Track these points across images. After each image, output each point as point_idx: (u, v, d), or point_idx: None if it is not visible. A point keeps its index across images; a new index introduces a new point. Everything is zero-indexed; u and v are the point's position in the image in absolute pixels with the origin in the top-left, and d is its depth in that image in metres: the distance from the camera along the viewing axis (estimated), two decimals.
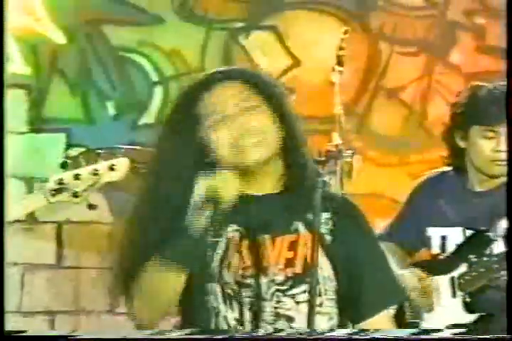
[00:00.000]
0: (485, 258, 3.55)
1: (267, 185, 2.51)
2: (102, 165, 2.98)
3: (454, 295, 3.59)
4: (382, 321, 2.54)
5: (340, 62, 4.51)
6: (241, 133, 2.44)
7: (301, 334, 2.37)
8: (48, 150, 5.37)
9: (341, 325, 2.52)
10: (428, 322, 3.64)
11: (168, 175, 2.49)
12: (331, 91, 4.50)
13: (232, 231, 2.48)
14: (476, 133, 3.60)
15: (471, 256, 3.57)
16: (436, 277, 3.71)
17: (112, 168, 2.98)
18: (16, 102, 5.35)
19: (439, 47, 5.43)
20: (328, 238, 2.49)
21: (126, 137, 5.09)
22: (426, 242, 3.79)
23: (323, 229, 2.49)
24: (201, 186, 2.40)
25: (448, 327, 3.45)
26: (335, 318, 2.51)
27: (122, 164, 2.98)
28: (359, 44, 5.27)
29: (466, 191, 3.70)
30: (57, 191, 3.02)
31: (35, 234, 5.30)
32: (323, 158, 2.54)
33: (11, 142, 5.25)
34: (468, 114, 3.65)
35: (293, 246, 2.48)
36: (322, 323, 2.46)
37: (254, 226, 2.47)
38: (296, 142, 2.52)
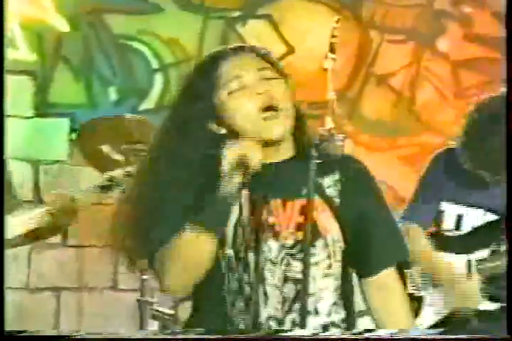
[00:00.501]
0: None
1: (280, 152, 2.47)
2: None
3: (470, 277, 3.51)
4: (388, 278, 2.52)
5: (332, 50, 4.49)
6: (263, 106, 2.39)
7: None
8: (52, 134, 5.38)
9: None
10: (433, 295, 3.57)
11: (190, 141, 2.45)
12: (323, 78, 4.48)
13: (245, 195, 2.43)
14: None
15: (493, 243, 3.49)
16: (449, 254, 3.64)
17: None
18: (22, 88, 5.35)
19: (427, 35, 5.46)
20: (336, 200, 2.46)
21: None
22: (439, 218, 3.71)
23: (332, 191, 2.47)
24: (229, 155, 2.35)
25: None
26: (339, 279, 2.49)
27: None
28: (351, 32, 5.30)
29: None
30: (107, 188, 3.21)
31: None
32: (316, 142, 2.45)
33: (17, 126, 5.29)
34: None
35: (303, 210, 2.42)
36: (329, 284, 2.45)
37: (267, 191, 2.42)
38: (304, 124, 2.53)
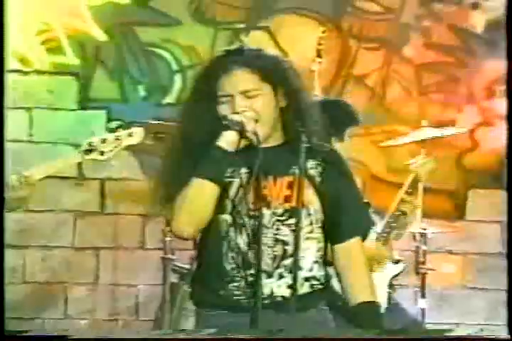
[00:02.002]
0: None
1: (272, 139, 2.47)
2: (122, 133, 3.06)
3: None
4: (353, 247, 2.50)
5: (319, 55, 4.51)
6: (241, 118, 2.40)
7: None
8: (92, 123, 5.34)
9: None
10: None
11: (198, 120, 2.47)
12: (311, 78, 4.49)
13: (243, 173, 2.43)
14: None
15: None
16: None
17: (130, 135, 3.05)
18: (68, 86, 5.35)
19: (395, 43, 5.40)
20: (317, 179, 2.45)
21: (152, 113, 5.06)
22: None
23: (314, 172, 2.46)
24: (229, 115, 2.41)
25: None
26: (322, 242, 2.47)
27: (138, 132, 3.05)
28: (333, 41, 5.24)
29: None
30: (89, 151, 3.08)
31: (84, 188, 5.27)
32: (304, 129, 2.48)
33: (64, 117, 5.29)
34: None
35: (290, 185, 2.42)
36: (312, 245, 2.42)
37: (261, 170, 2.41)
38: (299, 109, 2.47)
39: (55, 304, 5.31)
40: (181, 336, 2.24)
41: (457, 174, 5.30)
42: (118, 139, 3.04)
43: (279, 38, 5.32)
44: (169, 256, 4.30)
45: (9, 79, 5.15)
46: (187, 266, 4.24)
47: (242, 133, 2.39)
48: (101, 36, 5.32)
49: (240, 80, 2.43)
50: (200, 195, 2.39)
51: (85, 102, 5.36)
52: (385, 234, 3.58)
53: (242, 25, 5.39)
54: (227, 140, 2.38)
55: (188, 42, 5.30)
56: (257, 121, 2.41)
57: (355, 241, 2.50)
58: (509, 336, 2.29)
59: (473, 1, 5.34)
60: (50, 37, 5.28)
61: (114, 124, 5.30)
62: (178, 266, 4.26)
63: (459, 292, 5.19)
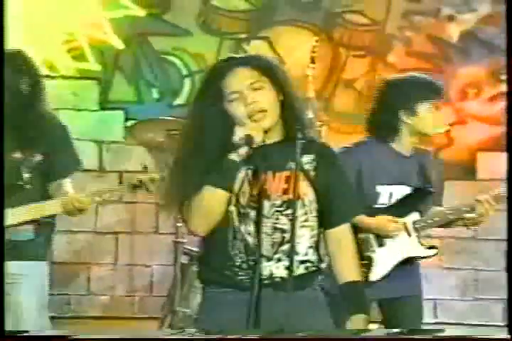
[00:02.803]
0: (430, 208, 3.33)
1: (273, 135, 2.43)
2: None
3: (409, 235, 3.31)
4: (343, 232, 2.47)
5: (313, 61, 4.52)
6: (253, 109, 2.36)
7: None
8: (111, 122, 5.37)
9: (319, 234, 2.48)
10: (379, 254, 3.32)
11: (207, 127, 2.42)
12: (306, 82, 4.51)
13: (246, 169, 2.40)
14: (424, 109, 3.25)
15: (419, 206, 3.31)
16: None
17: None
18: (90, 89, 5.37)
19: (381, 51, 5.39)
20: (312, 173, 2.42)
21: (165, 113, 5.04)
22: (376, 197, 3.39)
23: (309, 166, 2.44)
24: (239, 132, 2.34)
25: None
26: (315, 230, 2.45)
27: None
28: (325, 49, 5.24)
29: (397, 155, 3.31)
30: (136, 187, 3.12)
31: (105, 179, 5.28)
32: (300, 127, 2.43)
33: (86, 117, 5.31)
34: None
35: (288, 179, 2.40)
36: (306, 233, 2.41)
37: (262, 165, 2.39)
38: (293, 107, 2.44)
39: (79, 282, 5.34)
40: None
41: None
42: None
43: (277, 47, 5.32)
44: (180, 239, 4.30)
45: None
46: (196, 249, 4.23)
47: (251, 145, 2.35)
48: (119, 45, 5.32)
49: (244, 75, 2.39)
50: (212, 202, 2.36)
51: (105, 104, 5.38)
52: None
53: (244, 35, 5.39)
54: (239, 154, 2.34)
55: (197, 50, 5.31)
56: (262, 111, 2.37)
57: (344, 227, 2.48)
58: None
59: (449, 14, 5.33)
60: (74, 46, 5.30)
61: (130, 123, 5.36)
62: (188, 249, 4.26)
63: (436, 271, 5.21)
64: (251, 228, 2.38)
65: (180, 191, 2.38)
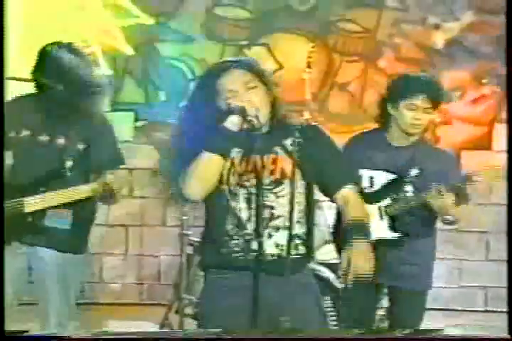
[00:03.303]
0: (403, 195, 3.26)
1: (263, 128, 2.45)
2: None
3: (381, 218, 3.29)
4: (348, 194, 2.46)
5: (309, 66, 4.53)
6: (248, 106, 2.39)
7: None
8: (122, 123, 5.33)
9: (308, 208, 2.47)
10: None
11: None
12: (303, 85, 4.52)
13: (236, 152, 2.43)
14: (403, 106, 3.19)
15: (392, 193, 3.26)
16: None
17: None
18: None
19: (372, 57, 5.40)
20: (297, 154, 2.39)
21: (172, 114, 5.04)
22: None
23: (293, 148, 2.41)
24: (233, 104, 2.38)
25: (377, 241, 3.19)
26: (302, 205, 2.44)
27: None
28: (321, 55, 5.24)
29: (388, 145, 3.28)
30: None
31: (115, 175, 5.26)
32: (299, 127, 2.46)
33: None
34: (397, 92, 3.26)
35: (274, 161, 2.43)
36: (294, 208, 2.37)
37: (250, 150, 2.42)
38: (280, 108, 2.47)
39: (92, 271, 5.32)
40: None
41: None
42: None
43: (276, 52, 5.33)
44: (185, 231, 4.28)
45: None
46: (199, 240, 4.26)
47: (244, 116, 2.37)
48: (129, 51, 5.35)
49: (239, 75, 2.42)
50: (208, 165, 2.38)
51: (116, 105, 5.35)
52: None
53: (245, 42, 5.39)
54: (232, 122, 2.35)
55: (201, 56, 5.31)
56: (258, 109, 2.40)
57: (346, 190, 2.47)
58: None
59: (435, 22, 5.34)
60: (88, 52, 5.27)
61: (140, 123, 5.37)
62: (193, 240, 4.26)
63: None
64: (242, 205, 2.39)
65: (181, 160, 2.41)
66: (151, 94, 5.42)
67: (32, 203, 2.86)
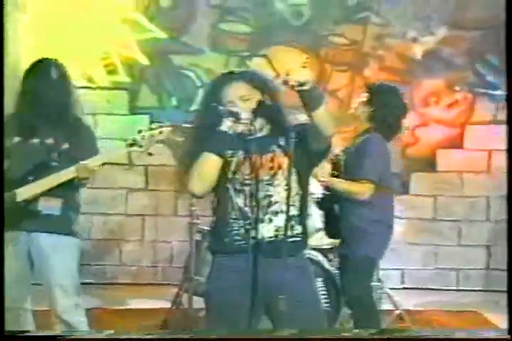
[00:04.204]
0: None
1: (263, 131, 2.47)
2: (155, 131, 3.01)
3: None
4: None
5: None
6: (242, 111, 2.40)
7: None
8: (139, 124, 5.20)
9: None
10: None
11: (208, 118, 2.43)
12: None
13: (239, 153, 2.43)
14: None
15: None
16: None
17: (160, 132, 3.00)
18: (120, 98, 5.34)
19: (358, 67, 5.37)
20: (291, 151, 2.38)
21: (182, 117, 5.01)
22: None
23: (288, 146, 2.41)
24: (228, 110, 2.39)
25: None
26: (294, 192, 2.42)
27: (165, 131, 2.99)
28: (314, 65, 5.22)
29: None
30: (131, 145, 3.04)
31: (133, 171, 5.24)
32: (298, 129, 2.46)
33: (117, 120, 5.31)
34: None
35: (272, 159, 2.43)
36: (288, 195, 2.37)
37: (252, 150, 2.42)
38: (280, 112, 2.47)
39: (112, 255, 5.35)
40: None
41: (402, 161, 5.28)
42: (152, 136, 3.00)
43: (274, 63, 5.29)
44: (194, 221, 4.25)
45: (79, 93, 5.21)
46: (207, 228, 4.23)
47: (238, 120, 2.37)
48: (145, 62, 5.32)
49: (238, 89, 2.42)
50: (208, 165, 2.38)
51: (133, 109, 5.35)
52: None
53: (247, 53, 5.36)
54: (227, 125, 2.35)
55: (208, 65, 5.28)
56: (252, 115, 2.40)
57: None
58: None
59: (414, 36, 5.33)
60: (108, 62, 5.28)
61: (154, 125, 5.34)
62: (201, 228, 4.25)
63: (403, 246, 5.23)
64: (246, 200, 2.39)
65: (187, 160, 2.42)
66: (164, 100, 5.39)
67: (23, 191, 2.95)
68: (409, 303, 4.57)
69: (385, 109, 3.43)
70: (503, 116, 5.40)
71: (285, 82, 2.31)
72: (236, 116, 2.37)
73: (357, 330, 2.24)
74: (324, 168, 3.10)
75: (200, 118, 2.47)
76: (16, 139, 3.07)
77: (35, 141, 3.06)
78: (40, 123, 3.07)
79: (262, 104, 2.43)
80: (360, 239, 3.32)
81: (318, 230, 3.81)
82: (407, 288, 5.24)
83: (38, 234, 3.02)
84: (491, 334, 1.91)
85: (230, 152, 2.42)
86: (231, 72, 2.49)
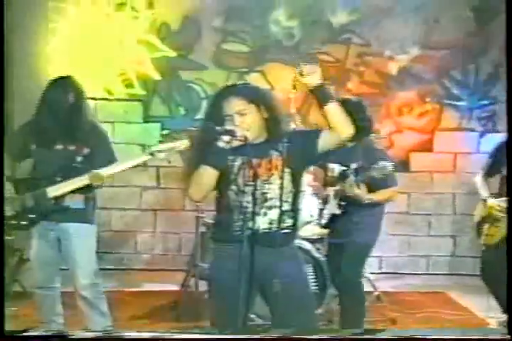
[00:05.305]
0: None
1: (260, 138, 2.44)
2: (176, 144, 3.04)
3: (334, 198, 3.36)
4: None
5: (294, 88, 4.49)
6: (242, 126, 2.38)
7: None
8: (151, 131, 5.32)
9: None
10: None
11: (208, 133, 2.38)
12: (289, 102, 4.49)
13: (240, 160, 2.40)
14: None
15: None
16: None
17: (180, 144, 3.03)
18: (136, 108, 5.31)
19: (342, 81, 5.34)
20: (285, 154, 2.39)
21: (189, 125, 4.99)
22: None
23: (282, 149, 2.41)
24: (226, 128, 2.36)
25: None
26: (287, 189, 2.40)
27: (185, 142, 3.01)
28: None
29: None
30: (152, 154, 3.05)
31: (147, 171, 5.21)
32: (289, 135, 2.47)
33: (133, 128, 5.29)
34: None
35: (270, 162, 2.41)
36: (282, 193, 2.37)
37: (251, 156, 2.38)
38: (275, 120, 2.44)
39: (129, 244, 5.33)
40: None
41: None
42: (173, 147, 3.03)
43: (269, 77, 5.29)
44: (200, 215, 4.24)
45: (100, 104, 5.22)
46: (211, 221, 4.21)
47: (233, 136, 2.34)
48: (157, 77, 5.30)
49: (235, 104, 2.38)
50: (205, 176, 2.34)
51: (147, 118, 5.32)
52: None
53: (245, 69, 5.34)
54: (224, 141, 2.32)
55: (211, 80, 5.25)
56: (248, 129, 2.37)
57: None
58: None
59: (390, 55, 5.32)
60: (125, 77, 5.26)
61: (165, 132, 5.35)
62: (205, 221, 4.24)
63: (382, 236, 5.22)
64: (246, 197, 2.36)
65: (188, 170, 2.40)
66: (174, 109, 5.36)
67: (53, 190, 3.04)
68: (386, 286, 4.58)
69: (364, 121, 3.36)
70: (467, 123, 5.43)
71: (297, 79, 2.28)
72: (231, 134, 2.33)
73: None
74: (364, 190, 3.12)
75: (200, 134, 2.44)
76: (40, 144, 3.11)
77: (59, 147, 3.10)
78: (60, 131, 3.09)
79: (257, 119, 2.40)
80: (360, 229, 3.32)
81: (307, 223, 3.81)
82: (384, 273, 5.24)
83: (66, 223, 3.10)
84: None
85: (231, 157, 2.38)
86: (228, 86, 2.46)
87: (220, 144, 2.33)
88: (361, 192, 3.20)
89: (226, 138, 2.33)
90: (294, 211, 2.44)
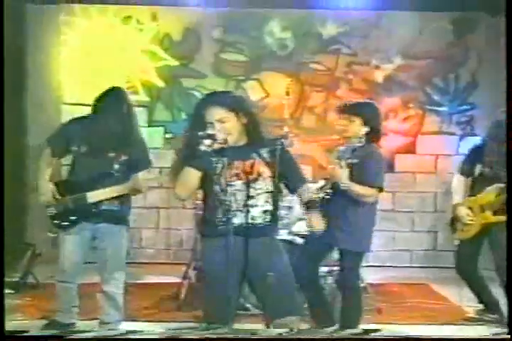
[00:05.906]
0: None
1: (240, 141, 2.46)
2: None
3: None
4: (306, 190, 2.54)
5: (287, 94, 4.51)
6: (222, 131, 2.40)
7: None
8: (155, 135, 5.31)
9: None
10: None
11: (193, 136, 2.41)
12: (283, 108, 4.51)
13: (224, 160, 2.41)
14: None
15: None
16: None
17: None
18: (141, 113, 5.21)
19: (332, 88, 5.36)
20: (270, 160, 2.42)
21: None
22: None
23: (266, 155, 2.45)
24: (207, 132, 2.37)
25: None
26: (269, 193, 2.43)
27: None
28: (296, 86, 5.21)
29: None
30: None
31: (151, 172, 5.13)
32: (279, 138, 2.50)
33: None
34: None
35: (251, 165, 2.44)
36: (264, 194, 2.41)
37: (234, 158, 2.41)
38: (254, 126, 2.47)
39: (134, 239, 5.27)
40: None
41: None
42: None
43: (264, 85, 5.30)
44: (199, 212, 4.25)
45: None
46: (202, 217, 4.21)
47: (214, 140, 2.35)
48: (160, 84, 5.31)
49: (216, 113, 2.39)
50: (189, 176, 2.38)
51: (151, 123, 5.33)
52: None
53: (242, 77, 5.35)
54: (205, 144, 2.34)
55: (211, 87, 5.18)
56: (229, 134, 2.40)
57: (302, 189, 2.50)
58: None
59: (376, 64, 5.35)
60: (131, 85, 5.26)
61: (168, 135, 5.34)
62: None
63: None
64: (229, 197, 2.38)
65: (174, 171, 2.43)
66: (176, 115, 5.37)
67: (92, 195, 3.05)
68: (372, 278, 4.58)
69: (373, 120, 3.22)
70: (447, 127, 5.45)
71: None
72: (213, 138, 2.35)
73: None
74: (345, 173, 2.94)
75: (185, 139, 2.47)
76: (82, 150, 3.07)
77: (99, 153, 3.06)
78: (109, 140, 3.04)
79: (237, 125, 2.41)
80: (355, 232, 3.19)
81: (298, 220, 3.82)
82: (371, 266, 5.24)
83: (103, 224, 3.10)
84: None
85: (214, 159, 2.39)
86: (208, 95, 2.48)
87: (202, 148, 2.34)
88: (341, 174, 2.96)
89: (208, 141, 2.34)
90: (274, 209, 2.45)
